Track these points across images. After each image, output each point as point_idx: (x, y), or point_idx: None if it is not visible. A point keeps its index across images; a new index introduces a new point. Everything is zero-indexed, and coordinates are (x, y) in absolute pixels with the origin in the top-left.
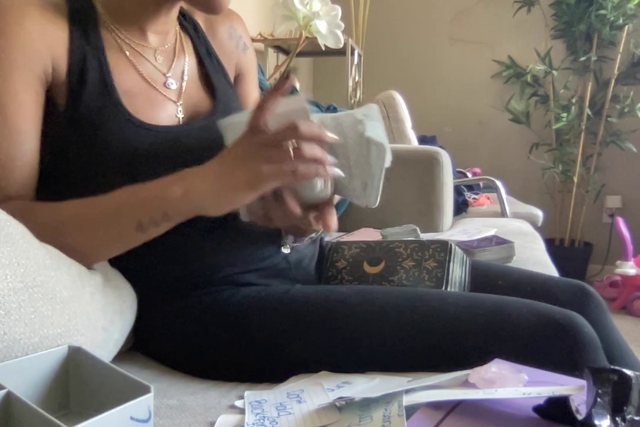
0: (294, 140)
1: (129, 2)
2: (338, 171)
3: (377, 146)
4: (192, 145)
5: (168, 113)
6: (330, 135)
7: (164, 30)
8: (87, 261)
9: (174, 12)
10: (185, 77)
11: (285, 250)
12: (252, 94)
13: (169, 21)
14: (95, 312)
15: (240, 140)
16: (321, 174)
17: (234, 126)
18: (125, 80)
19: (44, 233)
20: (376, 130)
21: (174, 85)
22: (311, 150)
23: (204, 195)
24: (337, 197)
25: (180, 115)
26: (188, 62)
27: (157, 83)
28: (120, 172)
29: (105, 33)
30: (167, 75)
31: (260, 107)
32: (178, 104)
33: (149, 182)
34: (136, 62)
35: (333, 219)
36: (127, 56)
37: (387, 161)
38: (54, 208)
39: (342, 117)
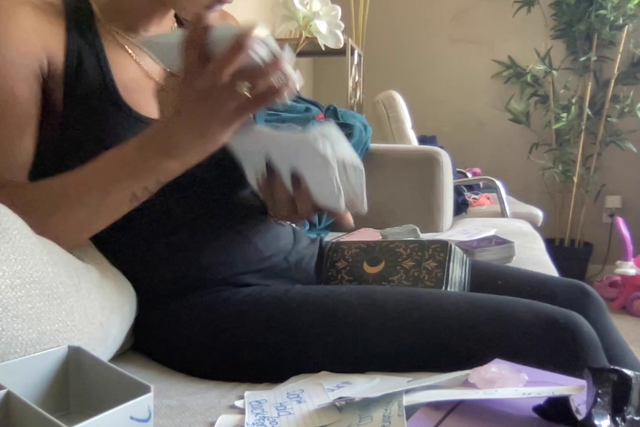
0: (246, 82)
1: (124, 6)
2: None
3: (354, 169)
4: None
5: None
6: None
7: (158, 31)
8: (79, 237)
9: (168, 16)
10: None
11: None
12: None
13: (162, 24)
14: (93, 308)
15: (185, 88)
16: (284, 91)
17: (161, 46)
18: (125, 74)
19: (37, 211)
20: (344, 149)
21: None
22: (264, 81)
23: (184, 150)
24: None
25: None
26: None
27: (157, 76)
28: None
29: (102, 30)
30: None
31: (190, 43)
32: None
33: (124, 153)
34: (136, 55)
35: (349, 219)
36: (126, 50)
37: (363, 179)
38: (45, 184)
39: (301, 142)
